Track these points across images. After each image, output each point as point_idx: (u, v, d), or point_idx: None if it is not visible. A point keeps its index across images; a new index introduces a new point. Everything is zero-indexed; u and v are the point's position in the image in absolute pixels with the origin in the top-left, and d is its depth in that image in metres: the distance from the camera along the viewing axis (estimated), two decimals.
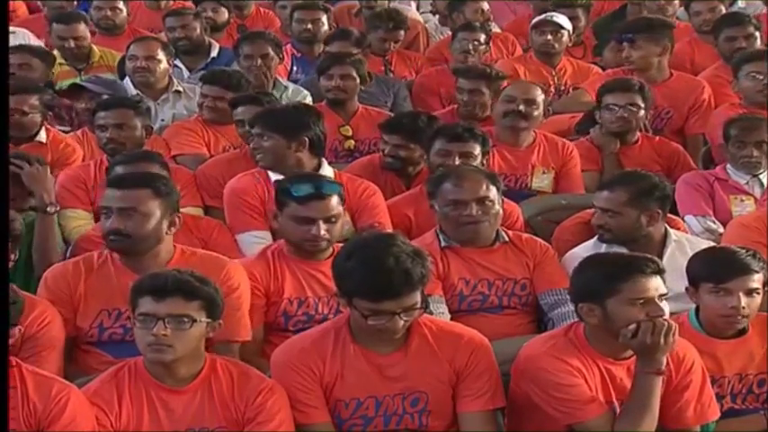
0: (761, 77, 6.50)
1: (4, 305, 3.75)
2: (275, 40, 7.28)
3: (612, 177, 5.29)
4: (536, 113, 6.09)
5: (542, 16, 7.83)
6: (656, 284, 3.91)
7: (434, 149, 5.51)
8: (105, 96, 6.41)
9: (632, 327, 3.87)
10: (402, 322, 3.88)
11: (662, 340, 3.84)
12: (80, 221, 5.49)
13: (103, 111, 5.79)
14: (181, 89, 7.07)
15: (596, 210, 5.04)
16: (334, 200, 4.65)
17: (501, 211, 4.95)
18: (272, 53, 7.11)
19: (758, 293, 4.25)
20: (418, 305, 3.90)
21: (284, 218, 4.66)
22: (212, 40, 8.08)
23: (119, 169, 5.13)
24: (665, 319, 3.87)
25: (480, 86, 6.62)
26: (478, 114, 6.58)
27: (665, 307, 3.92)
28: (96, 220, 5.47)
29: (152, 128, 5.97)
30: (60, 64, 7.54)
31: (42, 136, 6.11)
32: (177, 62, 7.57)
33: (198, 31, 7.91)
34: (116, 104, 5.88)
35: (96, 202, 5.58)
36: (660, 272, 3.94)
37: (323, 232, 4.59)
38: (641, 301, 3.89)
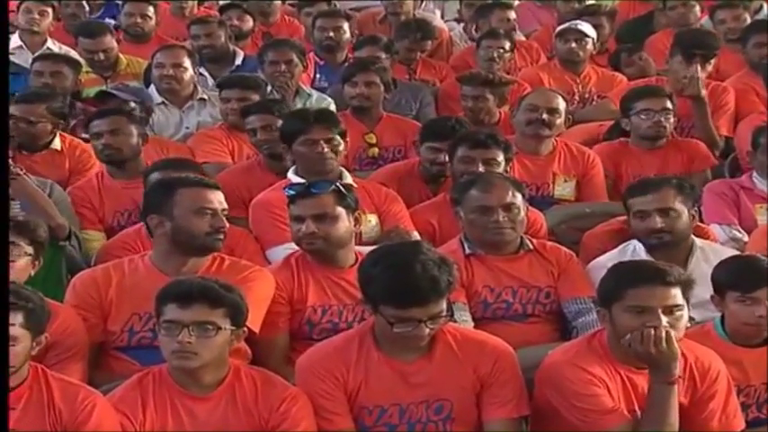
0: None
1: (4, 306, 3.75)
2: (299, 48, 7.30)
3: (645, 181, 5.19)
4: (558, 122, 6.09)
5: (567, 24, 7.83)
6: (662, 294, 3.88)
7: (457, 156, 5.49)
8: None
9: (629, 336, 3.87)
10: (428, 330, 3.88)
11: (653, 350, 3.81)
12: (94, 243, 5.51)
13: (98, 119, 5.82)
14: (206, 97, 7.08)
15: (652, 214, 4.91)
16: (327, 198, 4.63)
17: (525, 219, 4.95)
18: (296, 60, 7.13)
19: None
20: (444, 313, 3.90)
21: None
22: (237, 48, 8.09)
23: (156, 175, 5.18)
24: (659, 328, 3.82)
25: (484, 93, 6.70)
26: (484, 120, 6.63)
27: (682, 318, 3.89)
28: (108, 237, 5.52)
29: (147, 135, 5.97)
30: (87, 72, 7.57)
31: (57, 143, 6.14)
32: (202, 70, 7.59)
33: (222, 39, 7.93)
34: (110, 112, 5.92)
35: (105, 218, 5.65)
36: (674, 283, 3.89)
37: (312, 229, 4.59)
38: (639, 309, 3.87)
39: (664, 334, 3.82)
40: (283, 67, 7.07)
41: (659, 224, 4.89)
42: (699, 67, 6.83)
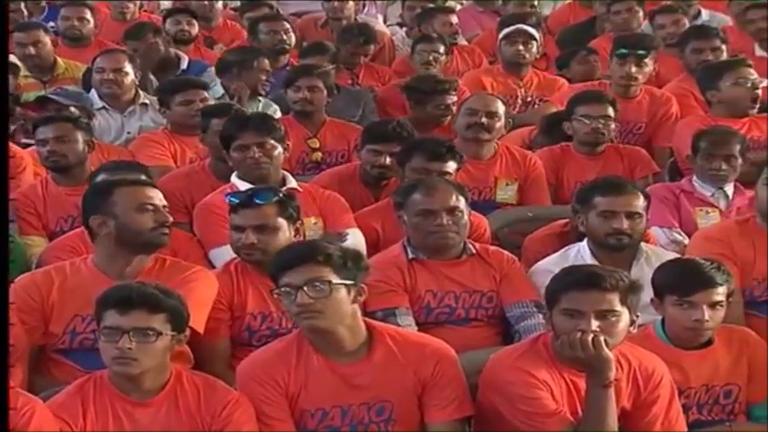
0: (749, 84, 6.52)
1: (4, 304, 3.74)
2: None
3: (613, 181, 5.16)
4: (498, 125, 6.11)
5: (513, 27, 7.85)
6: (595, 299, 3.88)
7: (412, 166, 5.48)
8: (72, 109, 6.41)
9: (559, 340, 3.90)
10: (309, 299, 3.86)
11: (581, 354, 3.83)
12: (35, 249, 5.46)
13: (44, 126, 5.79)
14: (148, 101, 7.05)
15: (619, 215, 4.88)
16: (269, 209, 4.66)
17: (468, 223, 4.96)
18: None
19: (722, 306, 4.26)
20: (325, 279, 3.87)
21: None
22: (181, 53, 8.07)
23: (103, 177, 5.18)
24: (588, 332, 3.82)
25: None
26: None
27: (617, 323, 3.88)
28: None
29: (94, 143, 5.94)
30: (25, 76, 7.53)
31: None
32: (151, 76, 7.57)
33: (162, 47, 7.88)
34: (56, 119, 5.90)
35: (48, 224, 5.62)
36: (610, 288, 3.89)
37: (252, 240, 4.61)
38: (571, 313, 3.88)
39: (590, 338, 3.83)
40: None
41: (625, 226, 4.89)
42: (632, 67, 6.90)
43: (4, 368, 3.69)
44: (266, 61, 7.32)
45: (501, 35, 7.88)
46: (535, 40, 7.75)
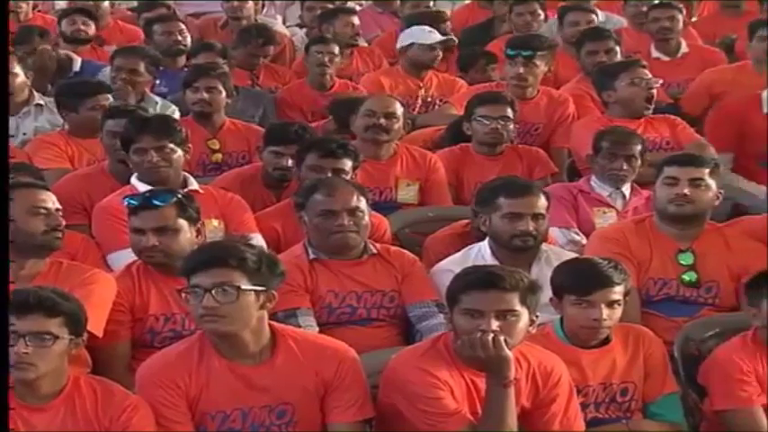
0: (643, 84, 6.59)
1: (4, 305, 3.69)
2: (152, 57, 7.22)
3: (517, 183, 5.17)
4: (396, 126, 6.14)
5: (419, 27, 7.87)
6: (494, 299, 3.90)
7: (306, 164, 5.50)
8: None
9: (460, 340, 3.91)
10: (214, 303, 3.85)
11: (481, 353, 3.84)
12: None
13: None
14: (42, 102, 6.95)
15: (525, 217, 4.89)
16: (168, 211, 4.63)
17: (369, 223, 4.97)
18: (141, 69, 7.05)
19: (619, 305, 4.32)
20: (234, 284, 3.86)
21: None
22: (73, 54, 7.97)
23: None
24: (487, 332, 3.84)
25: None
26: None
27: (516, 323, 3.90)
28: None
29: None
30: None
31: None
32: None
33: (52, 52, 7.78)
34: None
35: None
36: (509, 288, 3.91)
37: (153, 243, 4.58)
38: (471, 313, 3.90)
39: (490, 338, 3.85)
40: (124, 74, 6.99)
41: (531, 227, 4.91)
42: (521, 68, 6.95)
43: (4, 368, 3.65)
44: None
45: None
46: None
